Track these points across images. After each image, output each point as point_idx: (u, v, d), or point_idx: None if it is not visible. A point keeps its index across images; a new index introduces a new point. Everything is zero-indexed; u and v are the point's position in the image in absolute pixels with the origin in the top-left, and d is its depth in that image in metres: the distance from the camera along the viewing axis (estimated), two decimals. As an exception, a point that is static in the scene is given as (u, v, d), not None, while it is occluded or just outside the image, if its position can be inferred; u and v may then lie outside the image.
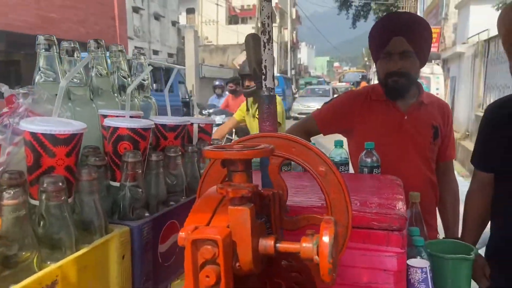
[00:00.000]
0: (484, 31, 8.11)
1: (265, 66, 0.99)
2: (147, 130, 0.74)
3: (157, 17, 19.51)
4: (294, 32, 39.95)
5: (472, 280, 1.35)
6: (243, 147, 0.56)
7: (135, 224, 0.68)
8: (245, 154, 0.52)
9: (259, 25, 1.03)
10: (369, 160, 1.45)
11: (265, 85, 1.00)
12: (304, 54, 56.79)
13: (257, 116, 1.38)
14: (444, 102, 1.83)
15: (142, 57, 0.99)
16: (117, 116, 0.77)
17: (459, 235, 1.60)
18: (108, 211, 0.72)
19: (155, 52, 18.95)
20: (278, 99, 3.04)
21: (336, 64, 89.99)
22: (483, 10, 9.12)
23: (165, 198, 0.80)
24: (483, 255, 1.48)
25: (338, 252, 0.53)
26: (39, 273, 0.49)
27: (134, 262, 0.68)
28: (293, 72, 35.74)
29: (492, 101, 1.53)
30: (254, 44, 1.07)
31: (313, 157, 0.71)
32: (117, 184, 0.73)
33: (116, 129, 0.71)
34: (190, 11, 27.58)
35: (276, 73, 11.19)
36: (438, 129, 1.66)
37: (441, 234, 1.76)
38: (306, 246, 0.51)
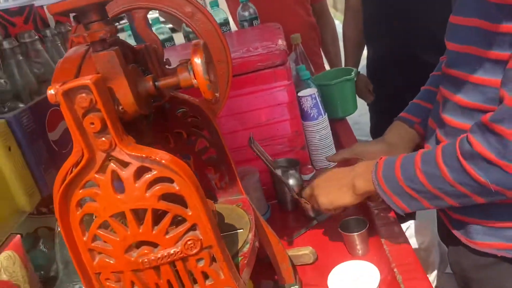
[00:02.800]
0: None
1: None
2: (-16, 14, 0.65)
3: None
4: None
5: (358, 97, 1.54)
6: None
7: (11, 115, 0.64)
8: (92, -4, 0.49)
9: None
10: (246, 13, 1.46)
11: None
12: None
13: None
14: None
15: None
16: None
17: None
18: (-24, 113, 0.66)
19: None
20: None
21: None
22: None
23: (36, 87, 0.75)
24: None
25: (216, 75, 0.56)
26: None
27: (24, 152, 0.65)
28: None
29: None
30: None
31: (177, 0, 0.69)
32: (-27, 81, 0.66)
33: None
34: None
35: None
36: None
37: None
38: (182, 75, 0.53)
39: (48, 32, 0.83)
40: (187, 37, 1.50)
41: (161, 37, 1.47)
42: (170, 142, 0.74)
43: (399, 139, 0.93)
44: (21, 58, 0.72)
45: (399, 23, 1.43)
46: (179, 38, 1.52)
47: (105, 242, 0.52)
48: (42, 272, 0.74)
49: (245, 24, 1.45)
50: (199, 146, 0.74)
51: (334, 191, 0.80)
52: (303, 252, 0.89)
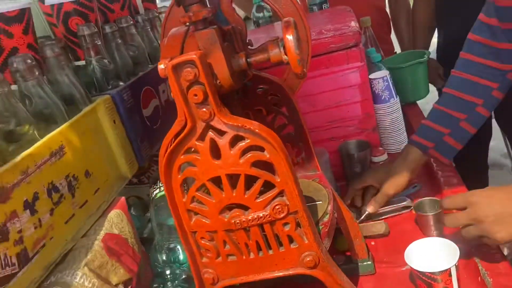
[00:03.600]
0: None
1: None
2: (91, 1, 0.72)
3: None
4: None
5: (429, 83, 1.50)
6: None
7: (114, 91, 0.71)
8: (195, -20, 0.54)
9: None
10: (316, -4, 1.47)
11: None
12: None
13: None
14: None
15: None
16: (56, -3, 0.75)
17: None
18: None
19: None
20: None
21: None
22: None
23: (132, 68, 0.82)
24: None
25: (304, 53, 0.59)
26: (44, 139, 0.53)
27: (125, 125, 0.73)
28: None
29: None
30: None
31: (260, -16, 0.73)
32: (82, 62, 0.74)
33: (60, 6, 0.70)
34: None
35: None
36: None
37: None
38: (273, 51, 0.56)
39: (139, 17, 0.90)
40: (256, 22, 1.55)
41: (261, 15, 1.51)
42: (251, 118, 0.79)
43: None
44: (119, 41, 0.79)
45: (473, 4, 1.37)
46: (248, 25, 1.57)
47: (201, 203, 0.57)
48: (136, 233, 0.83)
49: (315, 8, 1.46)
50: (278, 123, 0.78)
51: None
52: (374, 223, 0.91)
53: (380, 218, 0.96)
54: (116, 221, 0.59)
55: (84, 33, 0.70)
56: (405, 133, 1.24)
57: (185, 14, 0.52)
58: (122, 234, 0.59)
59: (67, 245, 0.54)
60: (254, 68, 0.63)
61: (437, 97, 1.73)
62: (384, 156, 1.11)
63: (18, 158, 0.48)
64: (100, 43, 0.72)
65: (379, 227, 0.91)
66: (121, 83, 0.76)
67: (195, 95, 0.52)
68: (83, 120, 0.62)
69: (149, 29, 0.92)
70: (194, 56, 0.50)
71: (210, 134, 0.54)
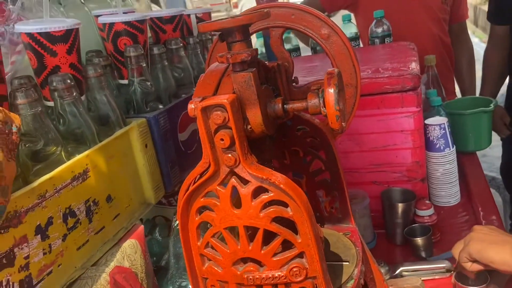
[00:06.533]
0: None
1: None
2: (143, 23, 0.72)
3: None
4: None
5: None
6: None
7: (151, 115, 0.71)
8: (239, 20, 0.51)
9: None
10: (379, 29, 1.40)
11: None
12: None
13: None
14: None
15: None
16: (111, 14, 0.76)
17: (477, 95, 1.60)
18: (124, 109, 0.75)
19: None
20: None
21: None
22: None
23: (175, 90, 0.82)
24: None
25: (345, 102, 0.54)
26: (69, 162, 0.53)
27: (157, 150, 0.72)
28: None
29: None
30: None
31: (314, 21, 0.69)
32: (125, 81, 0.74)
33: (112, 25, 0.70)
34: None
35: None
36: None
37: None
38: (312, 101, 0.52)
39: (191, 39, 0.90)
40: (313, 49, 1.51)
41: (288, 46, 1.50)
42: (286, 158, 0.75)
43: None
44: (166, 63, 0.79)
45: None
46: (305, 49, 1.53)
47: (216, 251, 0.54)
48: (154, 258, 0.81)
49: (376, 41, 1.40)
50: (314, 167, 0.74)
51: (491, 240, 0.69)
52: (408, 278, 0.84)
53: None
54: (129, 252, 0.58)
55: (130, 54, 0.70)
56: (457, 186, 1.14)
57: (223, 54, 0.50)
58: (133, 268, 0.57)
59: (75, 273, 0.53)
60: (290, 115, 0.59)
61: (499, 147, 1.60)
62: (431, 211, 1.02)
63: (36, 182, 0.48)
64: (144, 65, 0.72)
65: (414, 281, 0.83)
66: (160, 106, 0.76)
67: (222, 139, 0.49)
68: (113, 143, 0.62)
69: (199, 51, 0.91)
70: (225, 101, 0.47)
71: (233, 181, 0.51)
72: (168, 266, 0.73)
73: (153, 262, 0.82)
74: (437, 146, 1.09)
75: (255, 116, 0.52)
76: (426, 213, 1.02)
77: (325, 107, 0.50)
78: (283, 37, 1.56)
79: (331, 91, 0.49)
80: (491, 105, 1.24)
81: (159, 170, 0.72)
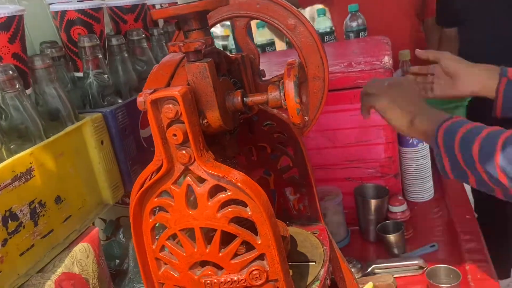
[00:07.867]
0: None
1: None
2: (98, 11, 0.68)
3: None
4: None
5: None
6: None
7: (108, 110, 0.66)
8: (194, 6, 0.48)
9: None
10: (354, 24, 1.39)
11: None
12: None
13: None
14: None
15: None
16: (66, 2, 0.71)
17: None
18: (79, 103, 0.71)
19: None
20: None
21: None
22: None
23: (136, 84, 0.77)
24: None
25: (308, 95, 0.52)
26: (9, 160, 0.49)
27: (115, 147, 0.67)
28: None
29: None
30: None
31: (280, 11, 0.66)
32: (80, 74, 0.70)
33: (64, 13, 0.66)
34: None
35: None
36: None
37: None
38: (272, 94, 0.49)
39: (155, 31, 0.86)
40: (288, 43, 1.48)
41: (263, 40, 1.47)
42: (253, 155, 0.72)
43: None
44: (126, 55, 0.75)
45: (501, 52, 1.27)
46: (280, 43, 1.50)
47: (172, 254, 0.50)
48: (117, 261, 0.77)
49: (351, 35, 1.38)
50: (282, 163, 0.71)
51: (400, 104, 0.72)
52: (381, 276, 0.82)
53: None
54: (80, 257, 0.54)
55: (84, 45, 0.66)
56: (431, 182, 1.13)
57: (175, 43, 0.46)
58: (83, 274, 0.53)
59: (18, 280, 0.49)
60: (252, 109, 0.56)
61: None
62: (403, 207, 1.01)
63: (-32, 183, 0.43)
64: (101, 56, 0.68)
65: (386, 278, 0.82)
66: (119, 100, 0.71)
67: (174, 135, 0.45)
68: (63, 140, 0.57)
69: (164, 44, 0.87)
70: (177, 93, 0.44)
71: (188, 179, 0.47)
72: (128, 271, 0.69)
73: (115, 265, 0.78)
74: (410, 141, 1.08)
75: (211, 110, 0.48)
76: (399, 209, 1.00)
77: (285, 100, 0.47)
78: (259, 31, 1.53)
79: (290, 83, 0.46)
80: (466, 99, 1.23)
81: (118, 168, 0.68)
